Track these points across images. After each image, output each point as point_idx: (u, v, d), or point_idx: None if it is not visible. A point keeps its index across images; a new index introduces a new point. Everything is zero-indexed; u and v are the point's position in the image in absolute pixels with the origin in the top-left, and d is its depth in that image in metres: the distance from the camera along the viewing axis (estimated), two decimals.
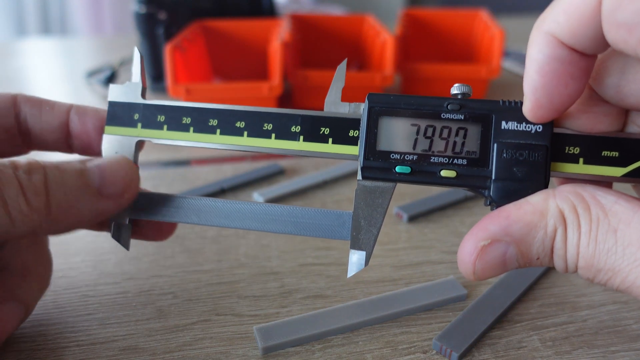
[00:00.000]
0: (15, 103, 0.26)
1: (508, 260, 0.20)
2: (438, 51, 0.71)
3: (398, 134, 0.22)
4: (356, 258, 0.22)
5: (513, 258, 0.19)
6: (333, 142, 0.23)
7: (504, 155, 0.20)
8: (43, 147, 0.27)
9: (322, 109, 0.23)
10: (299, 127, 0.23)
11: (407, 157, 0.21)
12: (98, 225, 0.27)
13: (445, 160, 0.21)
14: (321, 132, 0.23)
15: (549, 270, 0.32)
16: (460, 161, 0.21)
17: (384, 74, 0.56)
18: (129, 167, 0.24)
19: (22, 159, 0.22)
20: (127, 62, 0.73)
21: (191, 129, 0.24)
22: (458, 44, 0.70)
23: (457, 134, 0.21)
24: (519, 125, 0.21)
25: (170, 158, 0.49)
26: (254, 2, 0.70)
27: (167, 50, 0.52)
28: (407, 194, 0.42)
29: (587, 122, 0.21)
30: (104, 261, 0.33)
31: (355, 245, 0.22)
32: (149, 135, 0.25)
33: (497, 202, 0.21)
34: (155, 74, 0.66)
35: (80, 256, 0.34)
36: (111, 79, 0.67)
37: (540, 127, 0.20)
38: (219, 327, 0.28)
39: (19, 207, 0.20)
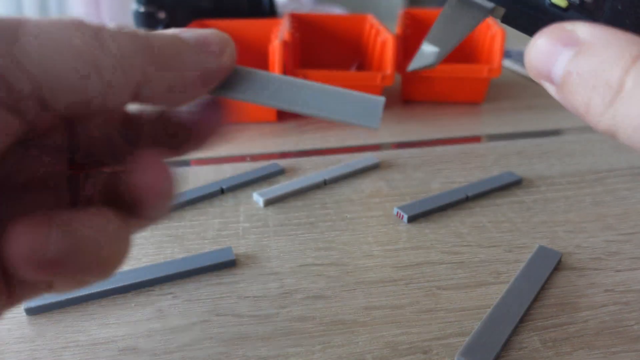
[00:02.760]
0: None
1: (561, 56, 0.17)
2: None
3: None
4: (427, 51, 0.20)
5: (566, 59, 0.17)
6: None
7: (619, 7, 0.19)
8: None
9: None
10: None
11: None
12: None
13: None
14: None
15: (551, 270, 0.32)
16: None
17: (384, 74, 0.56)
18: (221, 33, 0.21)
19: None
20: None
21: None
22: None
23: None
24: None
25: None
26: (254, 2, 0.70)
27: None
28: (407, 194, 0.42)
29: None
30: None
31: (432, 39, 0.20)
32: None
33: None
34: None
35: None
36: None
37: None
38: (218, 328, 0.28)
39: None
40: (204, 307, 0.29)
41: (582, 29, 0.17)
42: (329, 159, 0.48)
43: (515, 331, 0.27)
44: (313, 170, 0.45)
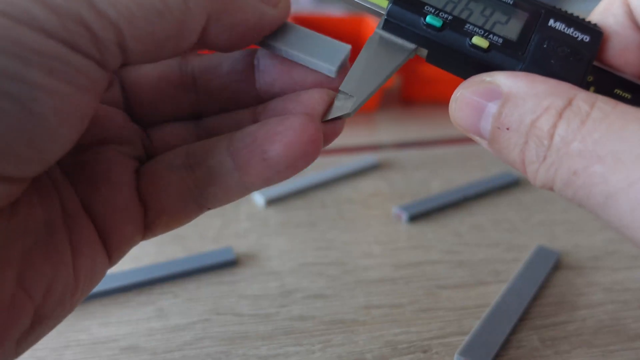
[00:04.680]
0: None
1: (487, 110, 0.17)
2: None
3: None
4: (344, 99, 0.19)
5: (492, 113, 0.17)
6: None
7: (545, 46, 0.19)
8: None
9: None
10: None
11: (442, 14, 0.19)
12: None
13: (481, 31, 0.19)
14: None
15: (550, 270, 0.32)
16: (495, 38, 0.19)
17: None
18: None
19: None
20: None
21: None
22: None
23: (500, 16, 0.20)
24: (567, 29, 0.19)
25: None
26: None
27: None
28: (407, 193, 0.42)
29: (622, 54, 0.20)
30: None
31: (347, 87, 0.19)
32: None
33: None
34: None
35: None
36: None
37: (588, 38, 0.19)
38: (219, 327, 0.28)
39: None
40: (204, 306, 0.29)
41: (502, 80, 0.17)
42: (329, 159, 0.48)
43: (514, 330, 0.28)
44: (313, 170, 0.45)
